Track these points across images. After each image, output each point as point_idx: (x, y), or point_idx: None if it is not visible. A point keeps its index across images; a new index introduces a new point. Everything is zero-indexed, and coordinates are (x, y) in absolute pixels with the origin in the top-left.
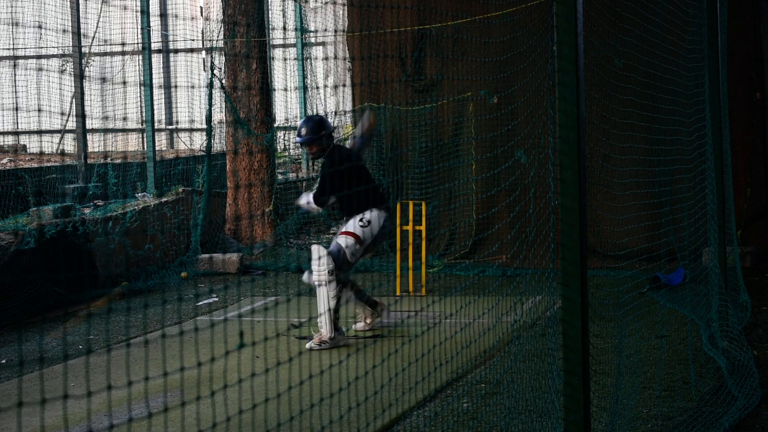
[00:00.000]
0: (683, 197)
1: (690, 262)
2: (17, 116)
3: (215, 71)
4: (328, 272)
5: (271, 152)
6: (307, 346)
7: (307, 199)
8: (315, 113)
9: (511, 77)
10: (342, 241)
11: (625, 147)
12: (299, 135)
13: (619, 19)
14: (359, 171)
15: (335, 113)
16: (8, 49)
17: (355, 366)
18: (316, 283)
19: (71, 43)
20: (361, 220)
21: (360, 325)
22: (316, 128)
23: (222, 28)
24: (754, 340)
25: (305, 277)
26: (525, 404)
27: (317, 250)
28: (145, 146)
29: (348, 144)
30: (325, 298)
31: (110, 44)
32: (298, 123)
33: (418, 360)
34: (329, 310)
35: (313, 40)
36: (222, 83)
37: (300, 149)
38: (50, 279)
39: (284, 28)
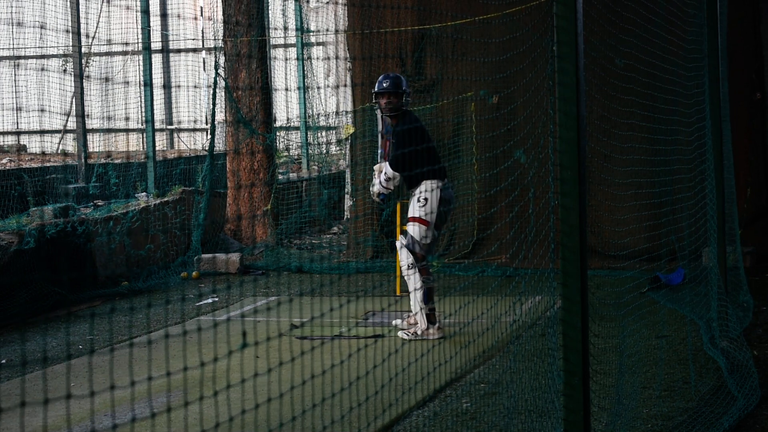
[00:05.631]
0: (683, 197)
1: (690, 262)
2: (18, 116)
3: (219, 70)
4: (409, 266)
5: (271, 152)
6: (400, 334)
7: (379, 180)
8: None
9: (511, 77)
10: (410, 229)
11: (625, 147)
12: (380, 85)
13: (619, 19)
14: (427, 138)
15: (335, 113)
16: (9, 49)
17: (356, 366)
18: (405, 275)
19: (72, 43)
20: (419, 200)
21: (399, 322)
22: (398, 82)
23: (223, 28)
24: (754, 340)
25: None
26: (525, 404)
27: (397, 245)
28: (146, 146)
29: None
30: (412, 288)
31: (111, 44)
32: (379, 78)
33: (418, 360)
34: (420, 301)
35: (313, 40)
36: (227, 82)
37: (299, 144)
38: (51, 279)
39: (284, 28)
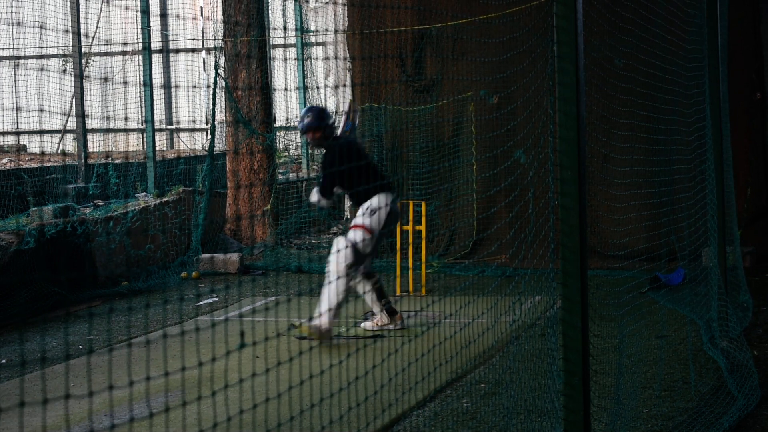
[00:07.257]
0: (683, 197)
1: (690, 262)
2: (18, 116)
3: (219, 70)
4: (347, 266)
5: (271, 152)
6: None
7: (316, 196)
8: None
9: (511, 77)
10: (351, 235)
11: (625, 147)
12: (302, 122)
13: (619, 19)
14: (359, 158)
15: (335, 113)
16: (9, 49)
17: (355, 366)
18: (335, 274)
19: (72, 43)
20: (367, 209)
21: (368, 324)
22: (320, 116)
23: (222, 28)
24: (754, 340)
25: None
26: (525, 404)
27: (337, 243)
28: (146, 146)
29: (339, 131)
30: (334, 291)
31: (111, 44)
32: (300, 113)
33: (418, 360)
34: (337, 303)
35: (313, 40)
36: (227, 82)
37: (299, 144)
38: (50, 279)
39: (284, 28)
